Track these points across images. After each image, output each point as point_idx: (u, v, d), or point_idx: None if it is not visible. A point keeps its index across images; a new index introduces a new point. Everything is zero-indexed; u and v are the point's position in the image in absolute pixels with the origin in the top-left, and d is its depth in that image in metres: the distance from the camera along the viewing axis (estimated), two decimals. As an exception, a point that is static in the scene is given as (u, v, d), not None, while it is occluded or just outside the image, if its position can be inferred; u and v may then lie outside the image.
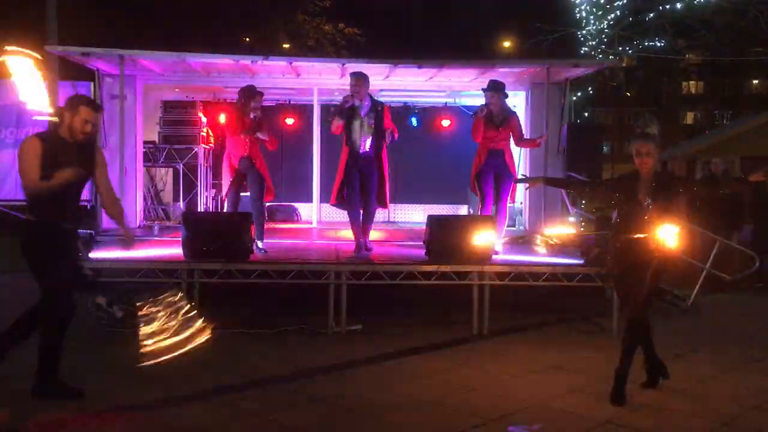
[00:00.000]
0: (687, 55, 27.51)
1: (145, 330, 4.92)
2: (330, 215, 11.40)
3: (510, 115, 8.02)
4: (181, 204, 11.68)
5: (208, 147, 12.11)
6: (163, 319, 4.92)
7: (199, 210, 11.62)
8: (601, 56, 17.61)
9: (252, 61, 9.53)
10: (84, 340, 6.04)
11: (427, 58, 9.86)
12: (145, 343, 4.86)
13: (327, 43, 23.45)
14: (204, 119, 11.89)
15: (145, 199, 11.20)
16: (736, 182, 5.35)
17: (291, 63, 9.84)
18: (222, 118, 10.94)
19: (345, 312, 6.83)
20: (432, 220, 7.36)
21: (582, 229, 10.05)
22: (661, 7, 17.80)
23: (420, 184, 12.43)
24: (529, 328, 7.24)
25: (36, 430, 4.31)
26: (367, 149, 7.58)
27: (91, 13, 16.96)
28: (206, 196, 12.12)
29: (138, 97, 10.29)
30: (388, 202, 7.93)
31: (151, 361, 4.81)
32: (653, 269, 4.96)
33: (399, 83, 10.83)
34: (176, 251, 7.26)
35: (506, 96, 8.02)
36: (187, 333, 4.95)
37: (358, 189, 7.61)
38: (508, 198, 8.10)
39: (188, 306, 5.15)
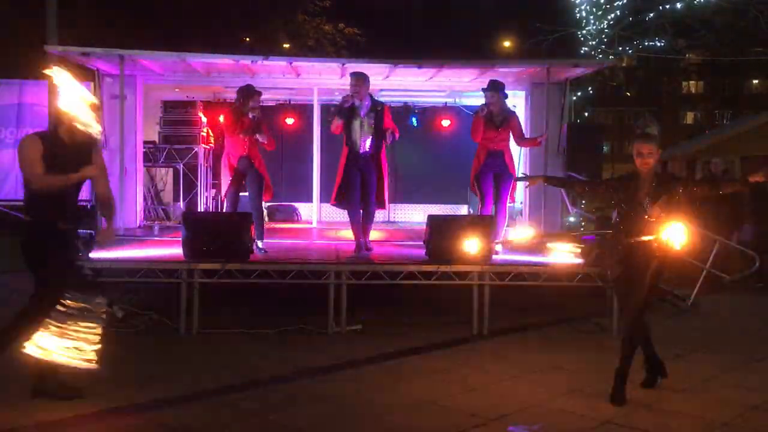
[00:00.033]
0: (687, 55, 27.51)
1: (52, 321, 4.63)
2: (330, 215, 11.40)
3: (510, 116, 8.03)
4: (181, 204, 11.68)
5: (208, 147, 12.12)
6: (72, 319, 4.62)
7: (199, 210, 11.62)
8: (601, 56, 17.61)
9: (252, 61, 9.54)
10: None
11: (427, 58, 9.88)
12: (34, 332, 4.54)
13: (327, 43, 23.46)
14: (204, 119, 11.90)
15: (145, 199, 11.21)
16: (736, 182, 5.34)
17: (291, 63, 9.85)
18: (221, 118, 10.95)
19: (345, 312, 6.83)
20: (432, 220, 7.36)
21: (582, 229, 10.06)
22: (661, 7, 17.80)
23: (420, 184, 12.44)
24: (529, 328, 7.24)
25: (36, 430, 4.30)
26: (367, 149, 7.58)
27: (91, 13, 16.97)
28: (206, 196, 12.13)
29: (138, 97, 10.30)
30: (386, 202, 7.94)
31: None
32: (653, 269, 4.95)
33: (399, 83, 10.84)
34: (176, 251, 7.26)
35: (506, 96, 8.02)
36: (76, 346, 4.56)
37: (358, 189, 7.61)
38: (508, 198, 8.11)
39: (100, 329, 4.76)
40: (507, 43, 33.04)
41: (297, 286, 7.04)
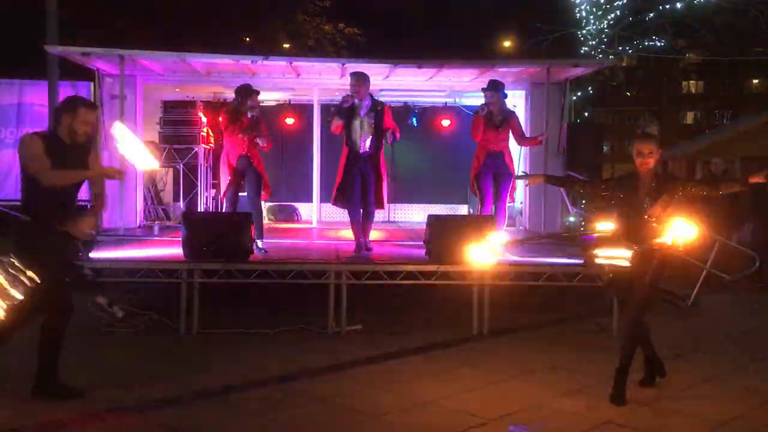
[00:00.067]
0: (687, 55, 27.51)
1: None
2: (330, 215, 11.40)
3: (509, 116, 8.03)
4: (181, 204, 11.67)
5: (208, 147, 12.10)
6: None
7: (199, 210, 11.62)
8: (601, 56, 17.62)
9: (252, 61, 9.54)
10: (84, 340, 6.04)
11: (427, 58, 9.87)
12: None
13: (327, 43, 23.44)
14: (204, 119, 11.89)
15: (145, 199, 11.20)
16: (735, 183, 5.33)
17: (291, 63, 9.85)
18: (219, 118, 10.95)
19: (345, 312, 6.83)
20: (432, 219, 7.36)
21: (582, 228, 10.06)
22: (661, 7, 17.81)
23: (420, 184, 12.43)
24: (529, 328, 7.24)
25: (36, 430, 4.31)
26: (367, 149, 7.58)
27: (91, 13, 16.96)
28: (206, 196, 12.12)
29: (138, 97, 10.29)
30: (385, 202, 7.92)
31: None
32: (653, 270, 4.95)
33: (399, 83, 10.84)
34: (176, 251, 7.26)
35: (506, 96, 8.02)
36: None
37: (359, 188, 7.60)
38: (508, 197, 8.11)
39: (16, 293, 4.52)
40: (507, 43, 33.01)
41: (297, 286, 7.04)
